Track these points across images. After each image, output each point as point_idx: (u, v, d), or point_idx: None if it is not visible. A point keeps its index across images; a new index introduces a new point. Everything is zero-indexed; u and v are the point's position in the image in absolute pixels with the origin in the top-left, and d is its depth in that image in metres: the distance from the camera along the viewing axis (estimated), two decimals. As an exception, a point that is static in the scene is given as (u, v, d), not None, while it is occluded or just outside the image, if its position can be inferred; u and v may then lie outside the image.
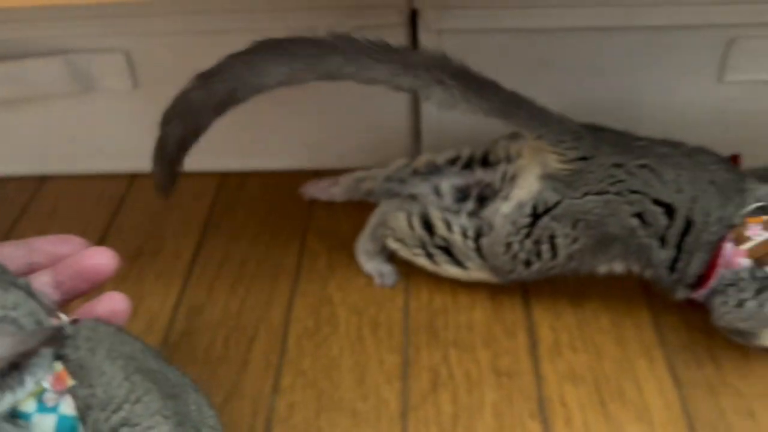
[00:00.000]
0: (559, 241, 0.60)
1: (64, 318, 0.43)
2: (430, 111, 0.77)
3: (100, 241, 0.79)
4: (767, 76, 0.72)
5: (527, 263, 0.62)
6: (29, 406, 0.38)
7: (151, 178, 0.70)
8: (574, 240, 0.60)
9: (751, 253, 0.56)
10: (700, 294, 0.59)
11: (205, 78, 0.62)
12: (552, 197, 0.59)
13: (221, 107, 0.62)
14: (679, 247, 0.58)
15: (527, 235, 0.61)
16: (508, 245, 0.61)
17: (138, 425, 0.40)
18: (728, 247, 0.56)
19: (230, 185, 0.86)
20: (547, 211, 0.60)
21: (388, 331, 0.67)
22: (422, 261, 0.68)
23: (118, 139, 0.84)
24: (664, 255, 0.58)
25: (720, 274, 0.57)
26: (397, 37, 0.72)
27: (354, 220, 0.76)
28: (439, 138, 0.79)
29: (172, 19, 0.75)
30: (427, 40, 0.71)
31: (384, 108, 0.79)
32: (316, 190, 0.80)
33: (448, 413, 0.59)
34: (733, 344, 0.63)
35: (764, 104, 0.74)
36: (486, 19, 0.69)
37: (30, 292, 0.41)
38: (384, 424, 0.58)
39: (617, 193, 0.58)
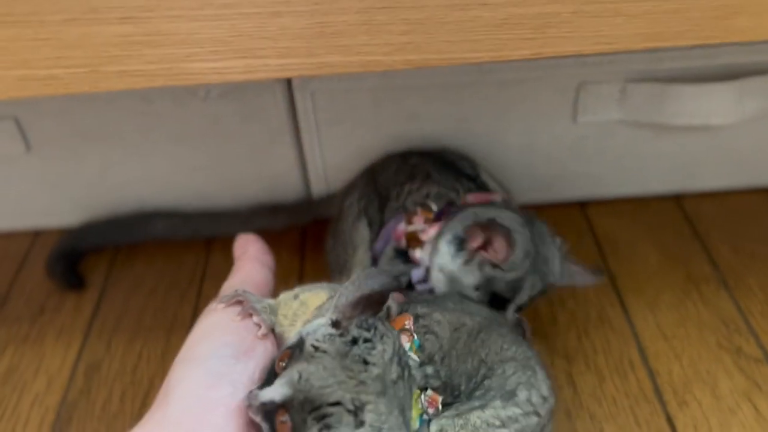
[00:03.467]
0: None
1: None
2: (314, 156, 0.82)
3: (3, 301, 0.81)
4: (613, 116, 0.78)
5: None
6: (415, 425, 0.46)
7: (54, 234, 0.77)
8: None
9: (406, 234, 0.65)
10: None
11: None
12: None
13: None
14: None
15: None
16: None
17: (498, 369, 0.50)
18: (400, 224, 0.66)
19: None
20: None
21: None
22: None
23: (17, 199, 0.87)
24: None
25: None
26: (275, 96, 0.76)
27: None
28: (326, 177, 0.84)
29: (57, 87, 0.77)
30: (301, 99, 0.76)
31: (273, 156, 0.83)
32: None
33: None
34: (591, 369, 0.69)
35: (612, 140, 0.81)
36: (351, 80, 0.74)
37: (407, 417, 0.45)
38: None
39: None
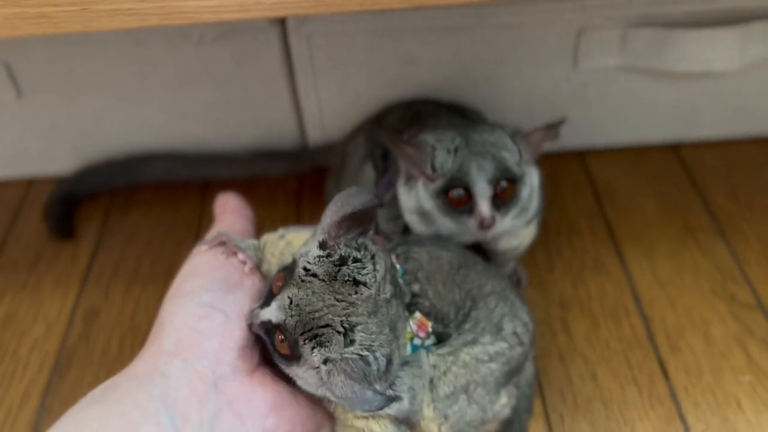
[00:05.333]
0: None
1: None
2: (310, 102, 0.81)
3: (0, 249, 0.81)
4: (613, 62, 0.77)
5: None
6: (407, 350, 0.49)
7: (49, 182, 0.78)
8: None
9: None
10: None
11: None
12: None
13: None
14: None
15: None
16: None
17: (481, 302, 0.52)
18: None
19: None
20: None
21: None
22: None
23: (10, 146, 0.86)
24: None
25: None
26: (269, 40, 0.75)
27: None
28: (322, 124, 0.83)
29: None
30: (296, 43, 0.74)
31: (269, 102, 0.82)
32: None
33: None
34: (586, 315, 0.70)
35: (613, 87, 0.80)
36: (347, 23, 0.72)
37: (399, 332, 0.47)
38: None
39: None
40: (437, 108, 0.71)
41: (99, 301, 0.74)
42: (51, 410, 0.65)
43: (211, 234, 0.56)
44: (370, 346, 0.44)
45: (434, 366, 0.50)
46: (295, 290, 0.45)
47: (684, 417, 0.61)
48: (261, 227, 0.79)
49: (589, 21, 0.74)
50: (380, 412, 0.47)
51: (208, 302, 0.48)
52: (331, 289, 0.45)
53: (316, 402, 0.51)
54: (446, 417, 0.50)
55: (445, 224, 0.60)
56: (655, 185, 0.83)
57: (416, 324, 0.49)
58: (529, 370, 0.60)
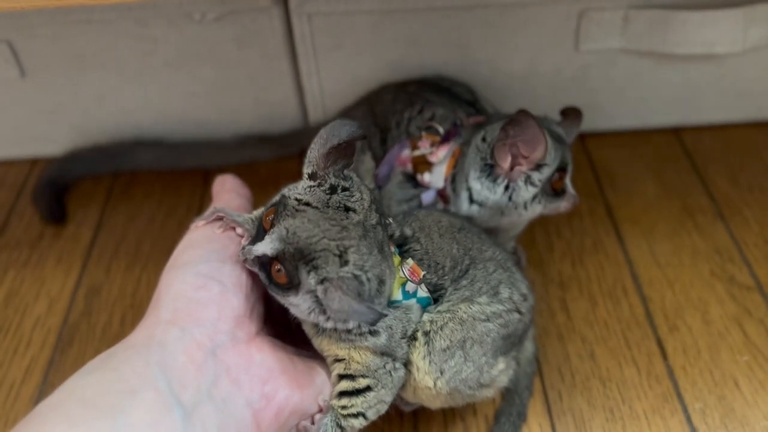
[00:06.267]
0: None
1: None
2: (312, 83, 0.81)
3: (2, 227, 0.81)
4: (615, 44, 0.77)
5: None
6: (397, 295, 0.50)
7: (51, 162, 0.78)
8: None
9: (413, 159, 0.64)
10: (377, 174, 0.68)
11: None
12: None
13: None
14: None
15: None
16: None
17: (480, 264, 0.54)
18: (405, 150, 0.65)
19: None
20: None
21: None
22: None
23: (14, 126, 0.86)
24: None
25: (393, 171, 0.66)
26: (271, 20, 0.75)
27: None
28: (323, 105, 0.83)
29: (51, 10, 0.75)
30: (298, 23, 0.74)
31: (270, 83, 0.82)
32: None
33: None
34: (584, 295, 0.70)
35: (614, 69, 0.80)
36: (349, 2, 0.72)
37: (387, 254, 0.49)
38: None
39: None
40: (431, 88, 0.71)
41: (100, 279, 0.75)
42: (53, 386, 0.65)
43: (209, 211, 0.56)
44: (363, 266, 0.46)
45: (431, 321, 0.51)
46: (291, 220, 0.47)
47: (682, 396, 0.62)
48: (262, 208, 0.80)
49: (591, 2, 0.74)
50: (359, 343, 0.49)
51: (204, 272, 0.48)
52: (325, 215, 0.47)
53: (315, 368, 0.51)
54: (442, 372, 0.51)
55: (527, 213, 0.61)
56: (656, 168, 0.83)
57: (409, 270, 0.51)
58: (529, 348, 0.61)
